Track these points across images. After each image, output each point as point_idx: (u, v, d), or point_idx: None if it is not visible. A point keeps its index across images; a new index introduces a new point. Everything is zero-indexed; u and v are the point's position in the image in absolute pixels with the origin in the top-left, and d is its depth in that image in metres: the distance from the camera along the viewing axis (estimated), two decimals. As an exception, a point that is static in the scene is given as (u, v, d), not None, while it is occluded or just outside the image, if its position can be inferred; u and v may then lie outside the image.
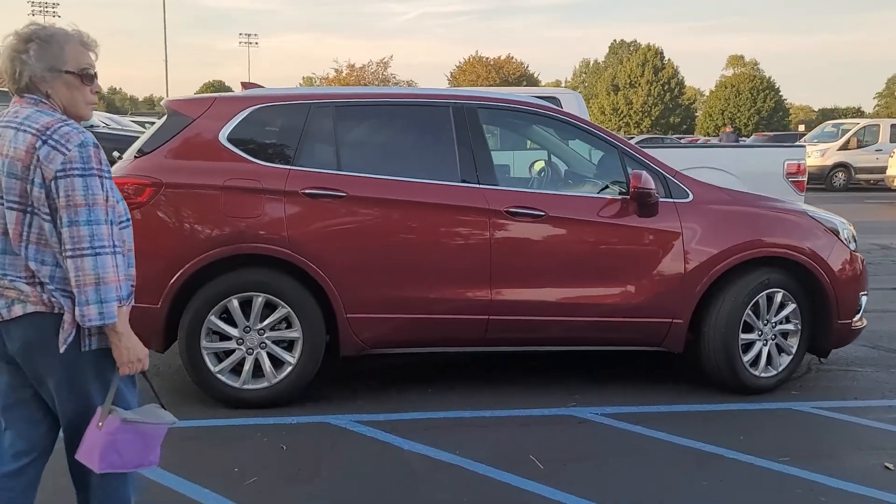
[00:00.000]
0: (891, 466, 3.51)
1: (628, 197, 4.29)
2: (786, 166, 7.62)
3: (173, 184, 4.03)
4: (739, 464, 3.53)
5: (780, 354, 4.50)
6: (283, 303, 4.07)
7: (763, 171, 7.49)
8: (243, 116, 4.20)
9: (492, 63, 60.75)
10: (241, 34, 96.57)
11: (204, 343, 4.06)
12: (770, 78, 68.89)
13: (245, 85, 4.98)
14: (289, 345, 4.13)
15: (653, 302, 4.31)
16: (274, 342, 4.13)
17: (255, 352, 4.11)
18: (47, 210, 2.04)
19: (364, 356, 4.36)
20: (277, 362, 4.13)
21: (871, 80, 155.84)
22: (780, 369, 4.51)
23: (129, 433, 2.14)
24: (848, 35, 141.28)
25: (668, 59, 71.82)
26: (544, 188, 4.75)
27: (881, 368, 5.04)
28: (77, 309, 2.03)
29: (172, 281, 3.96)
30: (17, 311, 2.09)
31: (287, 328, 4.13)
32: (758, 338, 4.43)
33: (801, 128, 57.39)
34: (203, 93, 16.54)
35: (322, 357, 4.18)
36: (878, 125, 22.46)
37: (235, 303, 4.07)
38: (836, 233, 4.52)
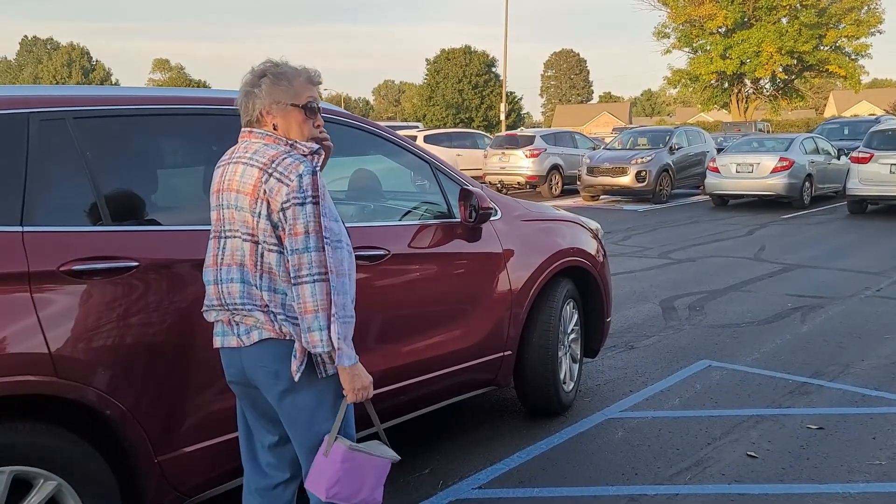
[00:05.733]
0: (753, 454, 3.71)
1: (458, 220, 3.58)
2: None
3: None
4: (668, 497, 3.28)
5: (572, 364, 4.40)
6: (47, 472, 2.23)
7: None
8: None
9: None
10: None
11: None
12: (205, 81, 70.40)
13: None
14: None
15: (490, 337, 3.72)
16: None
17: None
18: (274, 241, 2.10)
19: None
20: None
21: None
22: (575, 379, 4.41)
23: (354, 464, 2.14)
24: (257, 45, 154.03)
25: (98, 61, 67.16)
26: (375, 217, 3.64)
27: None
28: (302, 336, 2.06)
29: None
30: (255, 336, 2.15)
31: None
32: (563, 354, 4.24)
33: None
34: None
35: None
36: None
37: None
38: (598, 235, 4.60)
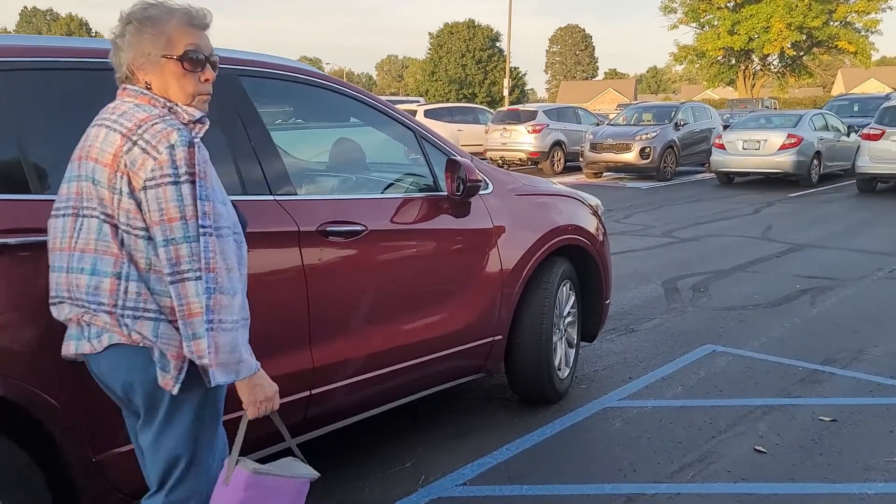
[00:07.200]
0: (761, 448, 3.44)
1: (444, 194, 3.28)
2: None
3: None
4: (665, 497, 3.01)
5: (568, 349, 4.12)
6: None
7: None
8: None
9: None
10: None
11: None
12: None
13: None
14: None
15: (479, 320, 3.43)
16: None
17: None
18: (141, 224, 1.71)
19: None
20: None
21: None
22: (571, 365, 4.13)
23: (261, 490, 1.81)
24: (261, 19, 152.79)
25: (97, 32, 66.39)
26: (353, 189, 3.34)
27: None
28: (185, 344, 1.70)
29: None
30: (105, 341, 1.78)
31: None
32: (558, 339, 3.95)
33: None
34: None
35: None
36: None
37: None
38: (597, 212, 4.29)
